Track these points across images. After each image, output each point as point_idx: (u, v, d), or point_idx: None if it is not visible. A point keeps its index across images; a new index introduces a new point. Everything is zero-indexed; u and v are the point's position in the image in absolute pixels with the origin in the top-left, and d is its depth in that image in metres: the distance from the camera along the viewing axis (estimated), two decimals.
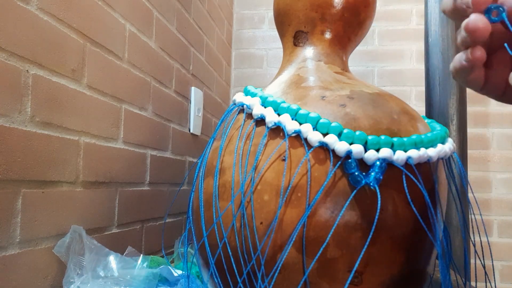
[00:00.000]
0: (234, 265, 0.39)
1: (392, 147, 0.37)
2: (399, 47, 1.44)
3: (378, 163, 0.36)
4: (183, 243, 0.59)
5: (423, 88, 1.25)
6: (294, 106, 0.40)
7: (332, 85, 0.44)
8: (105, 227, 0.67)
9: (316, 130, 0.38)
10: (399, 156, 0.37)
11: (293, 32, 0.51)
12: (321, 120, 0.38)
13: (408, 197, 0.37)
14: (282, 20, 0.52)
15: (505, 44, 0.26)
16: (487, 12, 0.26)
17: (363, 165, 0.37)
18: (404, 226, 0.38)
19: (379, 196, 0.35)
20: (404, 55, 1.44)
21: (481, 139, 1.35)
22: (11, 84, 0.48)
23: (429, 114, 1.02)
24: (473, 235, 0.42)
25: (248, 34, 1.52)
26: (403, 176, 0.37)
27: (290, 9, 0.51)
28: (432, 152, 0.38)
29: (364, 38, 0.58)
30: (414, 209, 0.37)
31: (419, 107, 1.37)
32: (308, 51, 0.50)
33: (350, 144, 0.37)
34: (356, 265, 0.35)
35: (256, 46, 1.52)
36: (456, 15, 0.28)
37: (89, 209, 0.63)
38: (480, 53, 0.26)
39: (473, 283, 0.81)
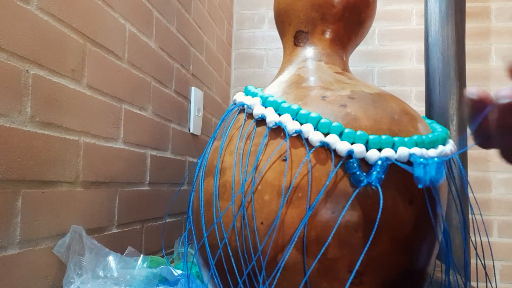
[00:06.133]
0: (234, 266, 0.39)
1: (393, 146, 0.37)
2: (399, 47, 1.44)
3: (380, 162, 0.36)
4: (183, 243, 0.59)
5: (423, 88, 1.25)
6: (294, 106, 0.40)
7: (333, 85, 0.44)
8: (105, 227, 0.67)
9: (317, 130, 0.38)
10: (402, 153, 0.36)
11: (293, 32, 0.51)
12: (322, 120, 0.38)
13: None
14: (282, 20, 0.52)
15: None
16: None
17: (364, 165, 0.37)
18: (404, 226, 0.38)
19: (381, 195, 0.35)
20: (404, 55, 1.44)
21: None
22: (11, 84, 0.48)
23: (429, 114, 1.02)
24: (473, 235, 0.42)
25: (248, 34, 1.52)
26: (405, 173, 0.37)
27: (290, 9, 0.51)
28: (433, 153, 0.38)
29: (364, 38, 0.57)
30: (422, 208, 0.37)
31: (419, 107, 1.37)
32: (309, 51, 0.50)
33: (351, 144, 0.37)
34: (357, 265, 0.35)
35: (256, 46, 1.52)
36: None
37: (89, 209, 0.62)
38: None
39: (473, 283, 0.81)
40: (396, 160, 0.37)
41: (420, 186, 0.33)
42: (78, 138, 0.60)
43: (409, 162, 0.37)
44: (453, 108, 0.98)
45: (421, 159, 0.33)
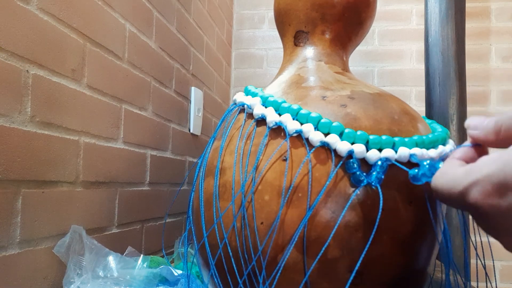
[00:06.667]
0: (234, 266, 0.39)
1: (394, 146, 0.37)
2: (399, 47, 1.44)
3: (379, 162, 0.36)
4: (183, 243, 0.59)
5: (423, 88, 1.25)
6: (295, 106, 0.40)
7: (333, 85, 0.44)
8: (105, 227, 0.67)
9: (318, 130, 0.38)
10: (402, 153, 0.36)
11: (293, 32, 0.51)
12: (322, 120, 0.38)
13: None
14: (282, 20, 0.52)
15: None
16: None
17: (364, 165, 0.37)
18: (404, 226, 0.38)
19: (381, 196, 0.35)
20: (404, 55, 1.44)
21: None
22: (11, 84, 0.48)
23: (429, 114, 1.02)
24: (473, 235, 0.42)
25: (248, 34, 1.52)
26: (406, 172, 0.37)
27: (290, 9, 0.51)
28: (433, 153, 0.38)
29: (364, 38, 0.57)
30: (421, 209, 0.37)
31: (419, 107, 1.37)
32: (309, 51, 0.50)
33: (352, 144, 0.37)
34: (357, 265, 0.35)
35: (256, 46, 1.52)
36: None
37: (89, 209, 0.62)
38: None
39: (473, 283, 0.81)
40: (396, 160, 0.37)
41: (416, 183, 0.33)
42: (78, 138, 0.60)
43: (409, 163, 0.37)
44: (453, 108, 0.98)
45: (426, 162, 0.33)
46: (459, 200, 0.24)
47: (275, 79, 0.50)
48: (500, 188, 0.21)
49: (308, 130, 0.38)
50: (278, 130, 0.40)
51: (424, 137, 0.39)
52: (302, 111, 0.39)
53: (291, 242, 0.37)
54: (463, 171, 0.24)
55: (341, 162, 0.37)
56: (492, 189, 0.21)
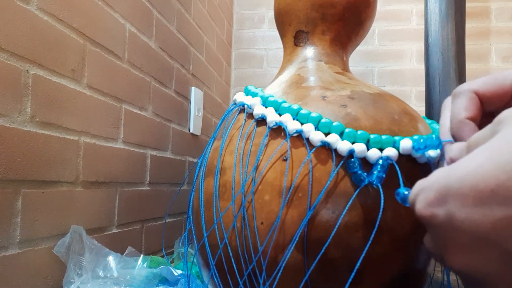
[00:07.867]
0: (234, 266, 0.39)
1: (394, 146, 0.37)
2: (399, 47, 1.44)
3: (380, 161, 0.36)
4: (183, 243, 0.59)
5: (423, 88, 1.25)
6: (295, 106, 0.40)
7: (333, 85, 0.44)
8: (105, 227, 0.67)
9: (318, 130, 0.38)
10: (404, 145, 0.36)
11: (293, 32, 0.51)
12: (322, 120, 0.38)
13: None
14: (282, 20, 0.52)
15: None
16: None
17: (365, 165, 0.37)
18: (404, 226, 0.38)
19: (382, 195, 0.35)
20: (404, 55, 1.44)
21: None
22: (11, 84, 0.48)
23: (429, 114, 1.02)
24: None
25: (248, 34, 1.52)
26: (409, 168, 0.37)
27: (290, 9, 0.51)
28: (433, 153, 0.38)
29: (364, 38, 0.57)
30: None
31: (419, 107, 1.37)
32: (309, 51, 0.50)
33: (352, 143, 0.37)
34: (357, 265, 0.35)
35: (256, 46, 1.51)
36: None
37: (89, 209, 0.62)
38: None
39: None
40: (399, 154, 0.37)
41: (406, 205, 0.33)
42: (78, 138, 0.60)
43: (410, 159, 0.37)
44: None
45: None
46: (415, 211, 0.22)
47: (275, 79, 0.50)
48: (441, 194, 0.19)
49: (309, 130, 0.38)
50: (278, 130, 0.40)
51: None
52: (302, 111, 0.39)
53: (291, 242, 0.37)
54: (419, 182, 0.22)
55: (341, 162, 0.37)
56: (434, 197, 0.20)
